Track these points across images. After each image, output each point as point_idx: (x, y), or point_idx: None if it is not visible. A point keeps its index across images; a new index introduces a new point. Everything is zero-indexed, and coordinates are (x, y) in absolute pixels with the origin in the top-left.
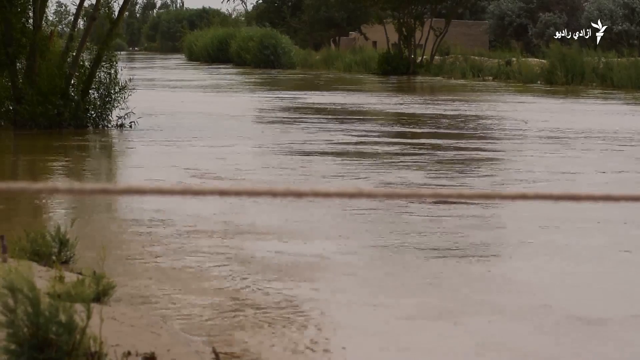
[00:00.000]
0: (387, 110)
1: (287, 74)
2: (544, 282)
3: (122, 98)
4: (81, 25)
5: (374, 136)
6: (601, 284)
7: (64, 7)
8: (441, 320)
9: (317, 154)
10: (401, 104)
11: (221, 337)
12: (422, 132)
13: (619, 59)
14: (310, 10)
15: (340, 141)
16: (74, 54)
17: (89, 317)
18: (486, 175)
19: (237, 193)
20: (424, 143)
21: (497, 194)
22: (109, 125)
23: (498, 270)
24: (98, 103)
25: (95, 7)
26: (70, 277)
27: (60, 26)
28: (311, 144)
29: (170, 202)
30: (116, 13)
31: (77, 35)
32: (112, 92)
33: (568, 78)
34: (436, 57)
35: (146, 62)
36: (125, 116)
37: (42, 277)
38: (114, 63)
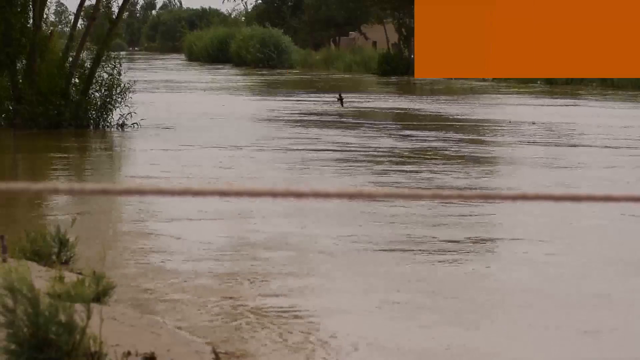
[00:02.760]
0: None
1: (288, 75)
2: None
3: (123, 99)
4: (81, 26)
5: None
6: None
7: (63, 7)
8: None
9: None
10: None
11: (221, 337)
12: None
13: None
14: (310, 10)
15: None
16: (74, 53)
17: (88, 317)
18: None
19: (237, 193)
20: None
21: (497, 194)
22: (110, 126)
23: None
24: (99, 103)
25: (95, 7)
26: (70, 277)
27: (60, 26)
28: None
29: (170, 202)
30: (116, 13)
31: (77, 35)
32: (113, 92)
33: (568, 78)
34: None
35: (146, 63)
36: (127, 116)
37: (42, 277)
38: (116, 64)
